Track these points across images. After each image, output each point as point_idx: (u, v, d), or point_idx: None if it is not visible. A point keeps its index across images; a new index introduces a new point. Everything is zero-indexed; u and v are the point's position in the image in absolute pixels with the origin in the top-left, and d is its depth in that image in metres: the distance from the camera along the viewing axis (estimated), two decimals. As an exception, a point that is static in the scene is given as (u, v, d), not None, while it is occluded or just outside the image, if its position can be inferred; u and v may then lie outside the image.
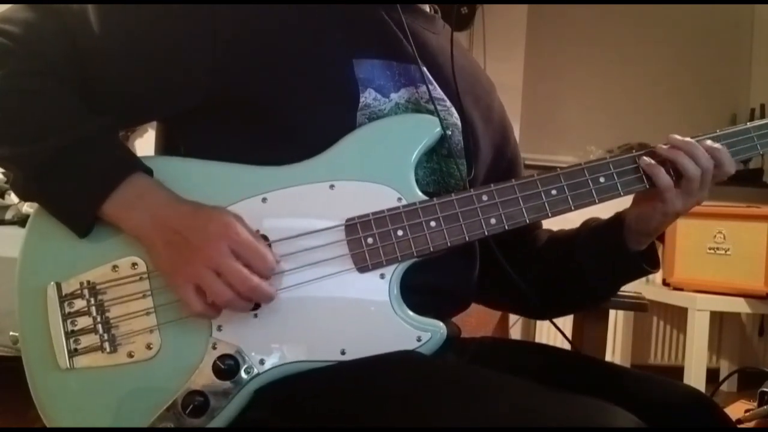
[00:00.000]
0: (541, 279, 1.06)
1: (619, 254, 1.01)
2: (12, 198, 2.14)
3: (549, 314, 1.10)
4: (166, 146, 1.00)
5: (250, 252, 0.82)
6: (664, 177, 0.93)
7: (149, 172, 0.88)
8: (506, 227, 0.91)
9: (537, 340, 3.40)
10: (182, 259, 0.82)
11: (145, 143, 2.44)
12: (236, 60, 0.90)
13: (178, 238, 0.83)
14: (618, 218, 1.02)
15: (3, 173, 1.88)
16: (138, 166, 0.87)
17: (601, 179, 0.94)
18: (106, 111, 0.88)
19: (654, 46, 3.92)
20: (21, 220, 2.05)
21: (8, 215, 2.10)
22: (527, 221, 0.91)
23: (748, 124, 1.00)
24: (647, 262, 1.01)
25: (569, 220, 1.09)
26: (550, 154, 3.54)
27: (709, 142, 0.96)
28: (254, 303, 0.84)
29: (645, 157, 0.94)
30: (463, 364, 0.98)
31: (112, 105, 0.90)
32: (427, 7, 1.09)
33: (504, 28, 3.48)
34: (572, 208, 0.93)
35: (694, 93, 3.93)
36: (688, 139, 0.95)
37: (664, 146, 0.95)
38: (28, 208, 2.03)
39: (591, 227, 1.07)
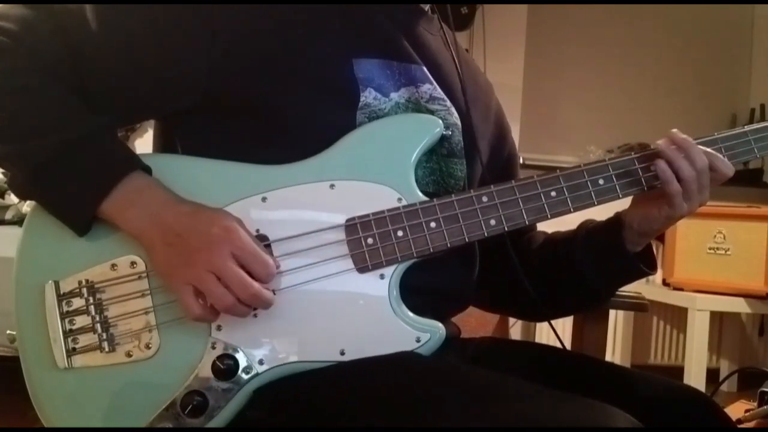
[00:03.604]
0: (538, 281, 1.06)
1: (617, 256, 1.01)
2: (12, 198, 2.13)
3: (546, 316, 1.09)
4: (163, 145, 1.00)
5: (252, 258, 0.81)
6: (675, 183, 0.94)
7: (148, 170, 0.88)
8: (506, 228, 0.91)
9: (537, 340, 3.40)
10: (182, 261, 0.81)
11: (144, 143, 2.44)
12: (235, 60, 0.90)
13: (178, 240, 0.82)
14: (617, 220, 1.02)
15: (2, 173, 1.87)
16: (137, 164, 0.87)
17: (600, 181, 0.94)
18: (104, 110, 0.88)
19: (654, 46, 3.92)
20: (21, 220, 2.04)
21: (8, 215, 2.10)
22: (527, 222, 0.92)
23: (746, 128, 1.01)
24: (645, 264, 1.01)
25: (566, 222, 1.09)
26: (550, 154, 3.54)
27: (702, 149, 0.96)
28: (251, 309, 0.83)
29: (660, 162, 0.94)
30: (462, 365, 0.98)
31: (110, 104, 0.89)
32: (426, 8, 1.09)
33: (504, 28, 3.47)
34: (571, 209, 0.93)
35: (694, 93, 3.93)
36: (687, 137, 0.96)
37: (661, 143, 0.95)
38: (27, 208, 2.03)
39: (588, 229, 1.06)
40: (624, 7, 3.86)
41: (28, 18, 0.87)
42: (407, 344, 0.86)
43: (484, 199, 0.91)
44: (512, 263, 0.99)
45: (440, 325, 0.88)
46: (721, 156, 0.97)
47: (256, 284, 0.81)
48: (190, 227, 0.82)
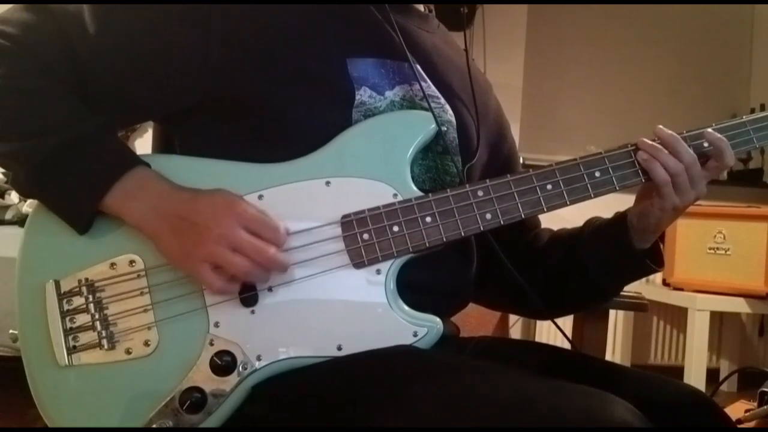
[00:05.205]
0: (543, 278, 1.06)
1: (623, 252, 1.01)
2: (12, 198, 2.14)
3: (551, 314, 1.09)
4: (162, 146, 1.01)
5: (260, 224, 0.83)
6: (660, 171, 0.93)
7: (147, 167, 0.88)
8: (501, 222, 0.91)
9: (537, 340, 3.40)
10: (192, 243, 0.83)
11: (145, 143, 2.45)
12: (232, 60, 0.90)
13: (184, 223, 0.83)
14: (622, 216, 1.02)
15: (3, 173, 1.88)
16: (137, 161, 0.88)
17: (597, 173, 0.94)
18: (103, 110, 0.89)
19: (654, 46, 3.92)
20: (21, 220, 2.06)
21: (8, 215, 2.11)
22: (522, 216, 0.92)
23: (744, 118, 1.00)
24: (651, 260, 1.01)
25: (567, 220, 1.09)
26: (550, 154, 3.53)
27: (713, 134, 0.96)
28: (270, 274, 0.85)
29: (642, 152, 0.95)
30: (461, 356, 0.98)
31: (109, 105, 0.90)
32: (421, 7, 1.09)
33: (504, 28, 3.48)
34: (568, 202, 0.93)
35: (694, 93, 3.93)
36: (672, 133, 0.95)
37: (649, 141, 0.95)
38: (27, 208, 2.04)
39: (595, 226, 1.07)
40: (624, 7, 3.86)
41: (28, 21, 0.88)
42: (404, 339, 0.86)
43: (480, 193, 0.91)
44: (506, 262, 0.98)
45: (437, 319, 0.88)
46: (727, 141, 0.96)
47: (271, 247, 0.82)
48: (193, 209, 0.84)
